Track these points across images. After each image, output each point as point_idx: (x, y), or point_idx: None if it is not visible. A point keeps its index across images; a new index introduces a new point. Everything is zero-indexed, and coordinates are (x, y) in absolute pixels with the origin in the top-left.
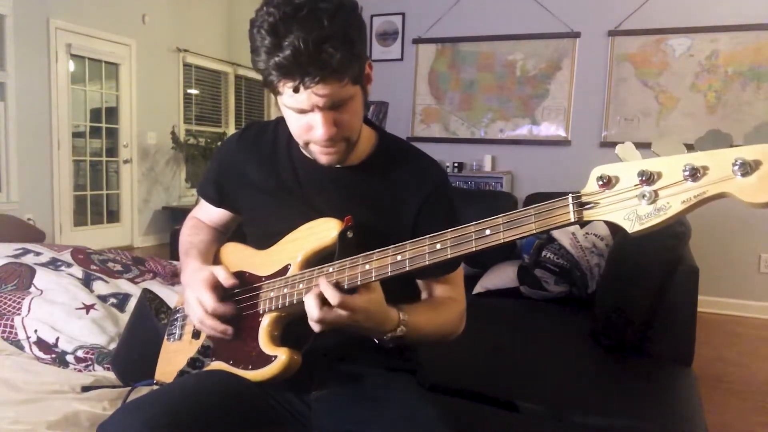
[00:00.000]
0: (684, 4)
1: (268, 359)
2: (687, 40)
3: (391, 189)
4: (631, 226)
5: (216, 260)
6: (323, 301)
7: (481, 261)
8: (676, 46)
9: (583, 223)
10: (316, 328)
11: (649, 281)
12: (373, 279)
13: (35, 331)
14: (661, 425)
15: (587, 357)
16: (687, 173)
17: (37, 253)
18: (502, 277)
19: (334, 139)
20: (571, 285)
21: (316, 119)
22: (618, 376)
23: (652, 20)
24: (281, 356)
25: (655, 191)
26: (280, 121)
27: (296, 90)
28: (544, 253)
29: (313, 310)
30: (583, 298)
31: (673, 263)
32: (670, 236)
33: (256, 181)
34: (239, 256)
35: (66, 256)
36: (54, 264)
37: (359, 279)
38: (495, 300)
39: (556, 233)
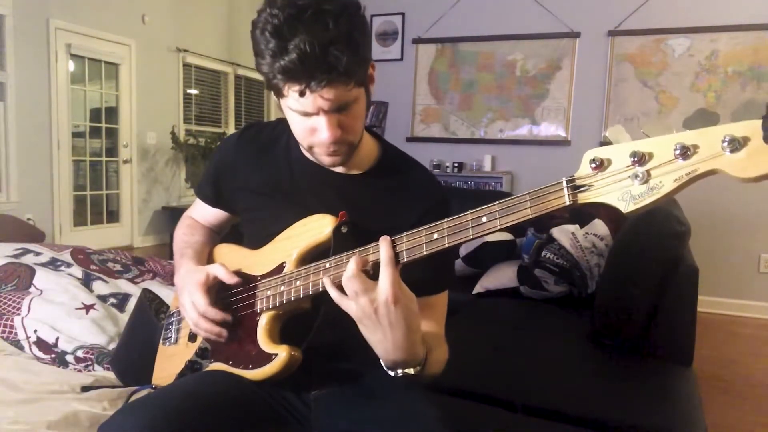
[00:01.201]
0: (684, 4)
1: (268, 357)
2: (686, 40)
3: (390, 200)
4: (626, 206)
5: (210, 261)
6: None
7: (481, 261)
8: (676, 46)
9: (577, 207)
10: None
11: (649, 281)
12: (371, 273)
13: (35, 331)
14: (661, 425)
15: (587, 357)
16: (678, 152)
17: (37, 253)
18: (501, 277)
19: (339, 141)
20: (571, 285)
21: (321, 122)
22: (618, 376)
23: (652, 20)
24: (281, 353)
25: (648, 171)
26: (280, 122)
27: (302, 94)
28: (543, 253)
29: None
30: (583, 298)
31: (673, 263)
32: (670, 236)
33: (254, 182)
34: (233, 257)
35: (66, 256)
36: (54, 264)
37: None
38: (495, 300)
39: (555, 233)
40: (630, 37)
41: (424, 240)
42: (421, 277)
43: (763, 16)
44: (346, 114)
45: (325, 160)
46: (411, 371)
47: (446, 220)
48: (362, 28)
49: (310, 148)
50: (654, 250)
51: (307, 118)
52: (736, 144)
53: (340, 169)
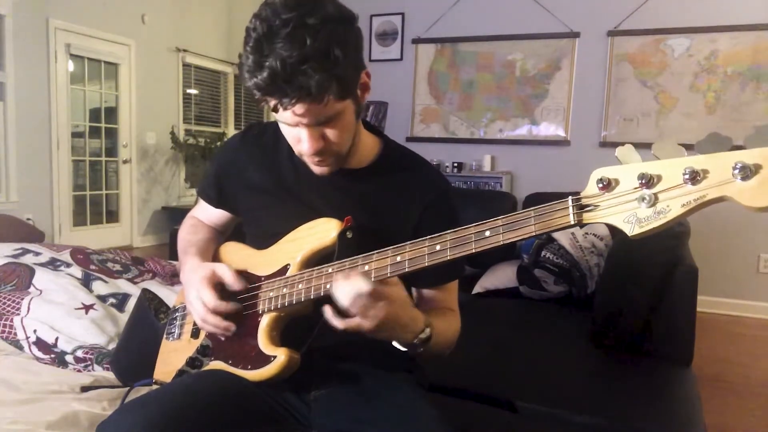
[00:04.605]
0: (683, 4)
1: (267, 359)
2: (686, 40)
3: (393, 195)
4: (631, 230)
5: (215, 259)
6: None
7: (480, 261)
8: (676, 46)
9: (582, 225)
10: (342, 325)
11: (649, 281)
12: (373, 279)
13: (34, 331)
14: (661, 425)
15: (587, 357)
16: (687, 176)
17: (37, 253)
18: (501, 277)
19: (322, 152)
20: (570, 285)
21: (302, 134)
22: (618, 376)
23: (652, 20)
24: (280, 356)
25: (655, 194)
26: None
27: (275, 110)
28: (543, 254)
29: (345, 300)
30: (583, 298)
31: (673, 263)
32: (670, 236)
33: (257, 182)
34: (239, 256)
35: (65, 256)
36: (53, 264)
37: None
38: (495, 300)
39: (555, 233)
40: (629, 37)
41: (426, 251)
42: (435, 271)
43: (763, 16)
44: (328, 126)
45: (313, 168)
46: (425, 335)
47: (449, 231)
48: (344, 42)
49: (299, 155)
50: (653, 250)
51: (292, 128)
52: (747, 171)
53: (327, 174)
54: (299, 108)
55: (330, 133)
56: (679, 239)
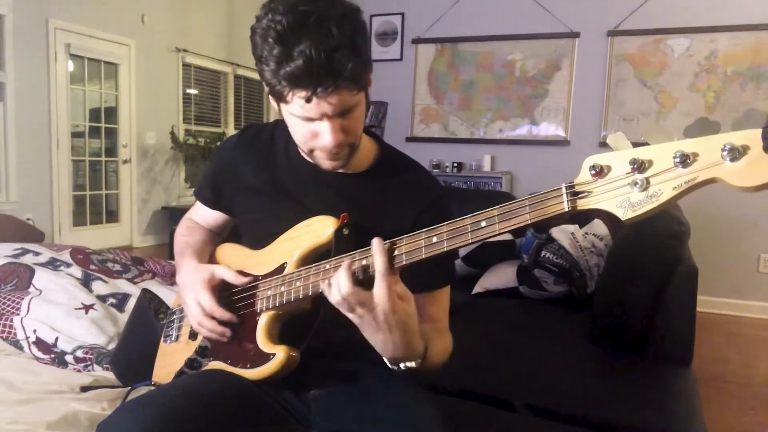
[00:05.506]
0: (683, 4)
1: (266, 357)
2: (686, 40)
3: (388, 199)
4: (624, 214)
5: (212, 261)
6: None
7: (480, 261)
8: (675, 46)
9: (576, 213)
10: (341, 306)
11: (649, 281)
12: (361, 278)
13: (34, 331)
14: (661, 425)
15: (587, 357)
16: (677, 160)
17: (36, 253)
18: (501, 277)
19: (341, 145)
20: (570, 285)
21: (324, 127)
22: (618, 376)
23: (652, 20)
24: (279, 354)
25: (647, 179)
26: (278, 123)
27: (308, 100)
28: (543, 253)
29: (344, 284)
30: (583, 298)
31: (673, 263)
32: (669, 236)
33: (253, 183)
34: (236, 257)
35: (65, 256)
36: (53, 264)
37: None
38: (495, 300)
39: (555, 233)
40: (629, 37)
41: (423, 243)
42: (425, 274)
43: (763, 16)
44: (347, 118)
45: (326, 164)
46: (412, 364)
47: (446, 223)
48: (363, 33)
49: (310, 152)
50: (653, 250)
51: (309, 123)
52: (735, 153)
53: (339, 169)
54: (333, 97)
55: (347, 124)
56: (679, 239)
